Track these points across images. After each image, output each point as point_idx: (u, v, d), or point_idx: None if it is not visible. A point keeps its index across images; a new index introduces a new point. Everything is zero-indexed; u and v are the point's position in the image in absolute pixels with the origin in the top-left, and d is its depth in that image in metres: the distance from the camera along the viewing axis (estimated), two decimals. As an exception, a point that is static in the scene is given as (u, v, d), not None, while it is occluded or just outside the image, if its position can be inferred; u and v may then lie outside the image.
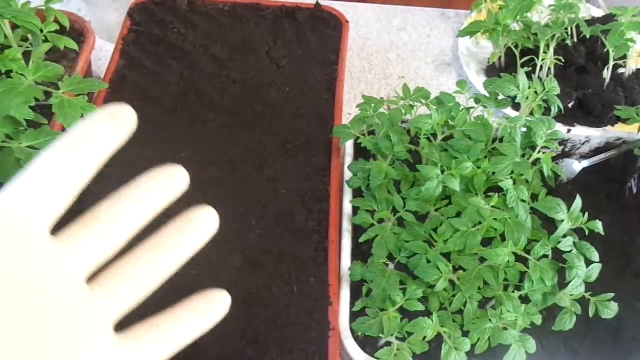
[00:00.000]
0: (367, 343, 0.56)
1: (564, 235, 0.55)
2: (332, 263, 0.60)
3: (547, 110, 0.67)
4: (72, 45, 0.61)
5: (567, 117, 0.87)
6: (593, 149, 0.76)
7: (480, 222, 0.54)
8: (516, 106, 0.75)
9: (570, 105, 0.88)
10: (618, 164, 0.75)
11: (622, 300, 0.61)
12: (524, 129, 0.63)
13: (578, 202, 0.55)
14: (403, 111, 0.66)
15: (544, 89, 0.64)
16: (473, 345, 0.52)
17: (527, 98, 0.65)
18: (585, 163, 0.75)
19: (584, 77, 0.89)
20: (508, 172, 0.57)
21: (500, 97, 0.67)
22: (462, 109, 0.64)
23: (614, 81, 0.88)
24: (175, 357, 0.56)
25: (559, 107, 0.66)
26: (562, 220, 0.54)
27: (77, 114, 0.49)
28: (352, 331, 0.56)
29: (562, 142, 0.76)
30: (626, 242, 0.68)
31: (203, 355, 0.54)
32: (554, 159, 0.76)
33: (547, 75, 0.88)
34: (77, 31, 0.77)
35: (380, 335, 0.53)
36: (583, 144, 0.76)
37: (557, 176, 0.64)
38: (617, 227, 0.69)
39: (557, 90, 0.65)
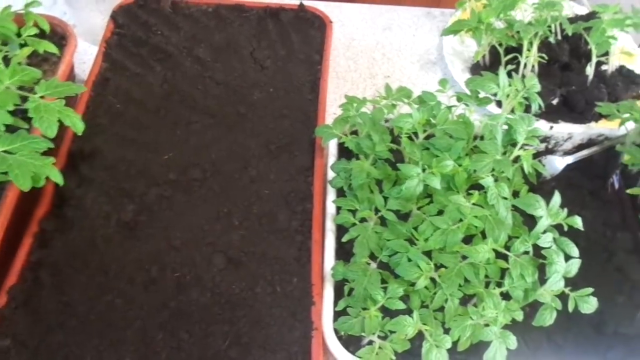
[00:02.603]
0: (351, 342, 0.56)
1: (545, 232, 0.55)
2: (315, 263, 0.60)
3: (530, 108, 0.67)
4: (52, 49, 0.61)
5: (552, 114, 0.87)
6: (576, 146, 0.77)
7: (461, 220, 0.55)
8: (501, 104, 0.75)
9: (554, 102, 0.89)
10: (601, 160, 0.75)
11: (604, 294, 0.62)
12: (506, 127, 0.64)
13: (557, 198, 0.55)
14: (385, 111, 0.66)
15: (525, 86, 0.65)
16: (455, 343, 0.53)
17: (508, 96, 0.65)
18: (569, 159, 0.75)
19: (568, 75, 0.90)
20: (489, 170, 0.58)
21: (483, 95, 0.67)
22: (444, 107, 0.64)
23: (597, 78, 0.89)
24: (156, 358, 0.56)
25: (539, 104, 0.66)
26: (542, 217, 0.54)
27: (54, 118, 0.49)
28: (336, 331, 0.56)
29: (545, 139, 0.76)
30: (608, 237, 0.68)
31: (185, 358, 0.54)
32: (538, 155, 0.77)
33: (531, 73, 0.88)
34: (60, 35, 0.77)
35: (363, 334, 0.53)
36: (566, 140, 0.76)
37: (539, 173, 0.64)
38: (599, 222, 0.70)
39: (538, 88, 0.65)
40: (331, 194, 0.64)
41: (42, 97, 0.52)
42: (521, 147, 0.62)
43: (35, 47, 0.61)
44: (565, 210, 0.56)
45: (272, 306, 0.57)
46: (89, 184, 0.65)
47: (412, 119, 0.61)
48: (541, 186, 0.73)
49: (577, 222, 0.55)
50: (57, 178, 0.50)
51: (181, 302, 0.57)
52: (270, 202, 0.65)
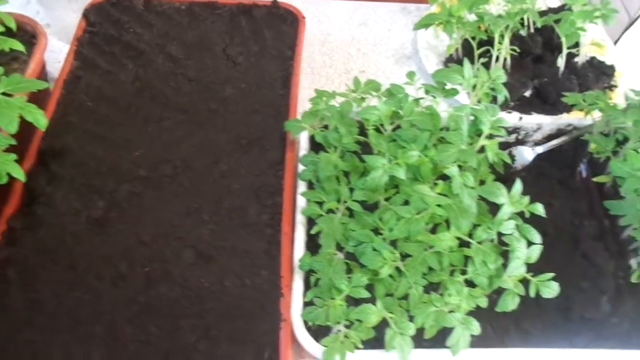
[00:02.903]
0: (320, 333, 0.57)
1: (510, 220, 0.56)
2: (284, 256, 0.60)
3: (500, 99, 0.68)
4: (18, 46, 0.61)
5: (525, 106, 0.88)
6: (546, 136, 0.78)
7: (425, 209, 0.55)
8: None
9: (527, 94, 0.90)
10: (570, 149, 0.76)
11: (570, 281, 0.63)
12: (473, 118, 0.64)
13: (518, 185, 0.56)
14: (354, 104, 0.67)
15: (490, 78, 0.65)
16: (422, 331, 0.53)
17: (474, 87, 0.66)
18: (539, 150, 0.76)
19: (540, 67, 0.91)
20: (453, 160, 0.58)
21: (451, 87, 0.68)
22: (412, 99, 0.65)
23: (569, 70, 0.90)
24: (124, 351, 0.57)
25: (505, 95, 0.67)
26: (503, 204, 0.55)
27: (15, 113, 0.49)
28: (306, 322, 0.56)
29: (515, 130, 0.77)
30: (575, 225, 0.69)
31: (153, 351, 0.54)
32: (508, 146, 0.78)
33: (503, 66, 0.89)
34: (30, 33, 0.77)
35: (332, 324, 0.54)
36: (536, 131, 0.77)
37: (508, 164, 0.65)
38: (567, 211, 0.71)
39: (503, 79, 0.66)
40: (302, 187, 0.65)
41: (5, 94, 0.52)
42: (490, 137, 0.63)
43: (0, 45, 0.61)
44: (528, 197, 0.56)
45: (241, 299, 0.58)
46: (59, 181, 0.65)
47: (378, 111, 0.62)
48: (511, 176, 0.74)
49: (539, 209, 0.56)
50: (19, 174, 0.50)
51: (150, 297, 0.57)
52: (240, 197, 0.65)
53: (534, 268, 0.56)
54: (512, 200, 0.55)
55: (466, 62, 0.65)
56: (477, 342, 0.56)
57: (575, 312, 0.61)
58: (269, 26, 0.85)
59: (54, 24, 0.92)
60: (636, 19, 1.14)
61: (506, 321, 0.60)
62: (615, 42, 1.06)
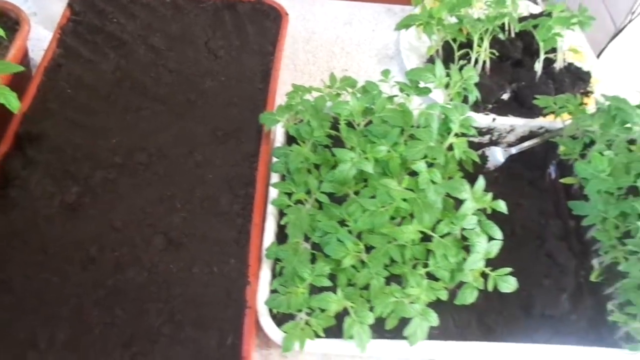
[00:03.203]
0: (285, 321, 0.58)
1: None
2: (253, 245, 0.61)
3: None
4: (-3, 31, 0.62)
5: (502, 108, 0.90)
6: (519, 138, 0.80)
7: (391, 203, 0.56)
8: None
9: (506, 97, 0.92)
10: (542, 151, 0.78)
11: (533, 278, 0.65)
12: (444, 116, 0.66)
13: (481, 182, 0.57)
14: (328, 99, 0.68)
15: (462, 78, 0.67)
16: (383, 321, 0.54)
17: (447, 86, 0.68)
18: (512, 151, 0.78)
19: (519, 71, 0.93)
20: (421, 156, 0.60)
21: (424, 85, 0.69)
22: (385, 96, 0.66)
23: (546, 74, 0.92)
24: (89, 333, 0.57)
25: (476, 95, 0.68)
26: (466, 200, 0.56)
27: (-14, 95, 0.50)
28: (272, 310, 0.57)
29: (489, 130, 0.79)
30: (542, 225, 0.70)
31: (118, 333, 0.55)
32: (482, 146, 0.79)
33: (483, 69, 0.91)
34: (14, 20, 0.78)
35: (292, 311, 0.55)
36: (509, 132, 0.79)
37: (480, 164, 0.66)
38: (535, 210, 0.72)
39: (475, 79, 0.68)
40: (274, 179, 0.66)
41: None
42: (462, 136, 0.64)
43: (-21, 30, 0.61)
44: (491, 194, 0.58)
45: (208, 286, 0.59)
46: (34, 166, 0.66)
47: (350, 106, 0.63)
48: (484, 176, 0.75)
49: (501, 206, 0.58)
50: (-11, 154, 0.51)
51: (118, 281, 0.58)
52: (213, 186, 0.66)
53: (499, 264, 0.58)
54: (474, 196, 0.56)
55: (438, 61, 0.66)
56: (437, 334, 0.57)
57: (536, 309, 0.63)
58: (252, 21, 0.86)
59: (40, 12, 0.93)
60: (622, 29, 1.15)
61: (468, 315, 0.61)
62: (602, 51, 1.08)
